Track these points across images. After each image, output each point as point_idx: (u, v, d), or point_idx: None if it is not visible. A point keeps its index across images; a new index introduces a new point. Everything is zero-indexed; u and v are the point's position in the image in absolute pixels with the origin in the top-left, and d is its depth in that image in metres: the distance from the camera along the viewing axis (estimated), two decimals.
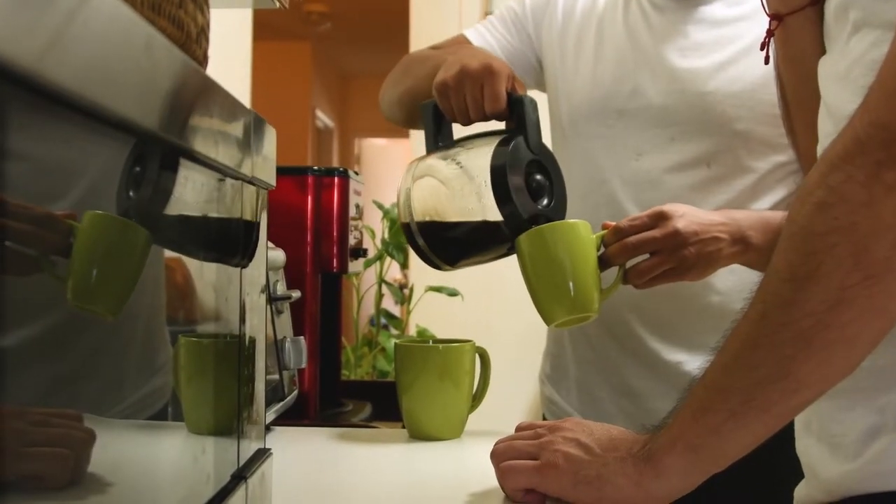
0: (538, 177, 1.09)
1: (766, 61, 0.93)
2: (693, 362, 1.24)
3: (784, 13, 0.88)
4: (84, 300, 0.42)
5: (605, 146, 1.28)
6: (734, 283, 1.22)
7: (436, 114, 1.14)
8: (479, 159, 1.08)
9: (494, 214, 1.06)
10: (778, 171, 1.24)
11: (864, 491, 0.72)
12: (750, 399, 0.69)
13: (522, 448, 0.84)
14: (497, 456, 0.86)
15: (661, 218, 1.07)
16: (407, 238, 1.14)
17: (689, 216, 1.08)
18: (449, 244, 1.12)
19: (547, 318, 1.09)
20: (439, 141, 1.15)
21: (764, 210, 1.21)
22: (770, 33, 0.90)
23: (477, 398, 1.13)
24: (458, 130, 1.15)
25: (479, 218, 1.08)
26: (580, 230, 1.06)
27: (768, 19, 0.90)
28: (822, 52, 0.81)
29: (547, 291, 1.07)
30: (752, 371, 0.69)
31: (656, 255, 1.07)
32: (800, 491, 0.81)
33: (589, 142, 1.30)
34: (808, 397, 0.69)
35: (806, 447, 0.79)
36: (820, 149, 0.79)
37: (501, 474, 0.85)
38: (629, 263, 1.08)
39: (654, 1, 1.29)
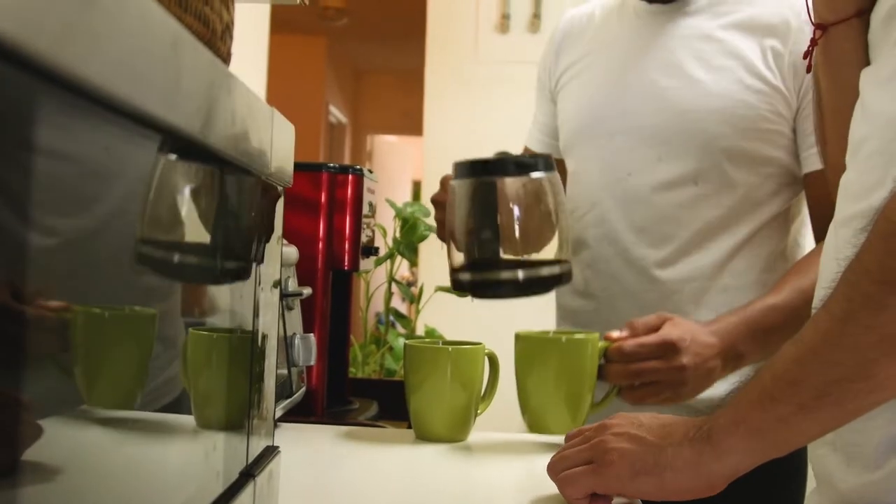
0: None
1: (809, 69, 0.93)
2: None
3: (830, 22, 0.86)
4: (97, 402, 0.40)
5: (598, 167, 1.31)
6: (741, 282, 1.25)
7: None
8: None
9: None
10: (767, 184, 1.24)
11: (886, 503, 0.71)
12: (824, 395, 0.68)
13: (576, 455, 0.83)
14: (553, 469, 0.85)
15: (669, 349, 1.08)
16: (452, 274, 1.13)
17: (693, 347, 1.09)
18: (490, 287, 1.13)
19: (529, 427, 1.12)
20: None
21: (748, 305, 1.17)
22: (814, 42, 0.90)
23: (485, 401, 1.13)
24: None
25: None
26: (587, 349, 1.08)
27: (812, 28, 0.90)
28: (864, 63, 0.80)
29: (536, 404, 1.10)
30: (830, 368, 0.67)
31: (655, 385, 1.10)
32: (811, 500, 0.80)
33: (583, 164, 1.34)
34: (885, 397, 0.68)
35: (821, 456, 0.78)
36: (849, 154, 0.78)
37: (561, 486, 0.84)
38: None
39: (642, 16, 1.31)
